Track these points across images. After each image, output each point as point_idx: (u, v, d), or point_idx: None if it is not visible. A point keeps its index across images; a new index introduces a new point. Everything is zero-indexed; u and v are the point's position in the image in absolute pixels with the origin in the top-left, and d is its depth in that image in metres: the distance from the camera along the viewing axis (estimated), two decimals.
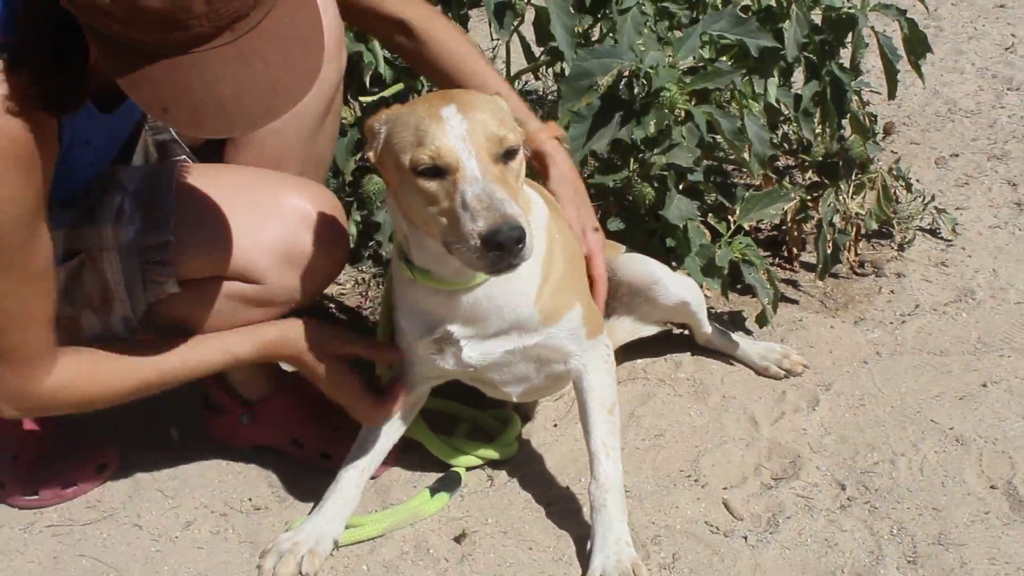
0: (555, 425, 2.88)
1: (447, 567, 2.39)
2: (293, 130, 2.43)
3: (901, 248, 3.59)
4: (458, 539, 2.45)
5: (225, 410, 2.66)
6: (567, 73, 2.86)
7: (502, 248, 1.85)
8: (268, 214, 2.32)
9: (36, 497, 2.55)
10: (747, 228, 3.10)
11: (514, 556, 2.40)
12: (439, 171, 1.96)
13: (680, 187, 2.93)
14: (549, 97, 4.23)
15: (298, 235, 2.34)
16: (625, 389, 2.97)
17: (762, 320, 3.02)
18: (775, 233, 3.65)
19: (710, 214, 3.08)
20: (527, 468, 2.69)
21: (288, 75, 1.82)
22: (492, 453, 2.69)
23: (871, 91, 3.79)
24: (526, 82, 4.16)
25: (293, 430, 2.63)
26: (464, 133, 1.94)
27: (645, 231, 3.00)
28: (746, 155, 3.03)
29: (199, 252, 2.28)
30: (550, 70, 3.61)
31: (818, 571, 2.31)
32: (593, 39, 3.31)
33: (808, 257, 3.52)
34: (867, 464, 2.64)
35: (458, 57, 2.55)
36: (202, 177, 2.31)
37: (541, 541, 2.45)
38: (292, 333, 2.33)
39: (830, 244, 3.19)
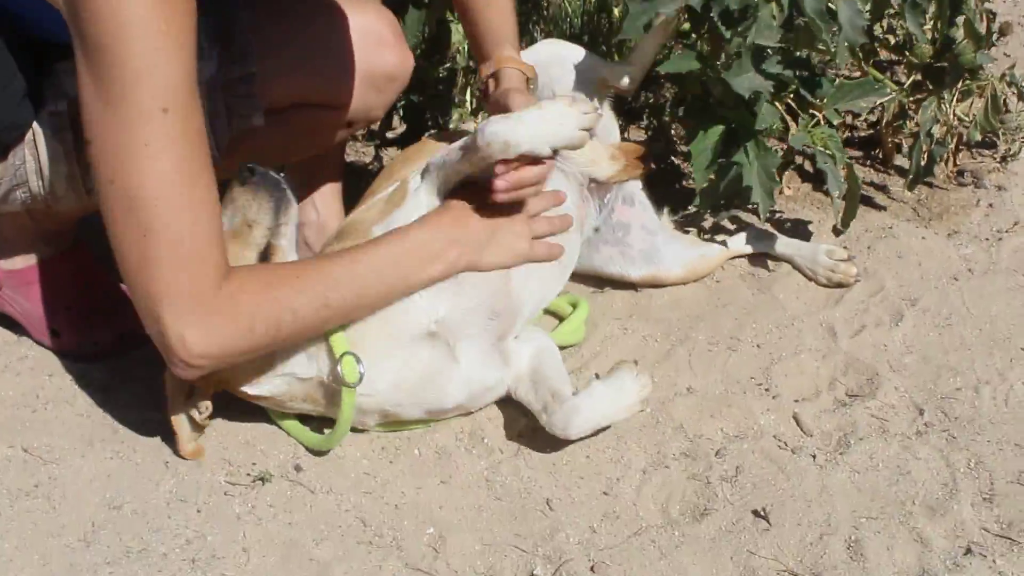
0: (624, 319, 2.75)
1: (501, 459, 2.30)
2: None
3: (1004, 160, 3.37)
4: (521, 434, 2.36)
5: None
6: None
7: None
8: (343, 36, 2.31)
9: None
10: (836, 125, 2.88)
11: (571, 455, 2.31)
12: None
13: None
14: None
15: (373, 55, 2.36)
16: (699, 289, 2.85)
17: (842, 223, 2.84)
18: (871, 131, 3.43)
19: (790, 99, 2.84)
20: (593, 366, 2.57)
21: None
22: (562, 337, 2.58)
23: None
24: None
25: (44, 309, 2.47)
26: None
27: (709, 115, 2.78)
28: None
29: (282, 81, 2.25)
30: None
31: (887, 499, 2.20)
32: None
33: (904, 162, 3.31)
34: (948, 389, 2.50)
35: None
36: (269, 4, 2.22)
37: (598, 442, 2.35)
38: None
39: (925, 155, 2.98)
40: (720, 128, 2.74)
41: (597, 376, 2.31)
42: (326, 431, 2.24)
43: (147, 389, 2.31)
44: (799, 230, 3.06)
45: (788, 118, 2.76)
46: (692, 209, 2.98)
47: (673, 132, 3.33)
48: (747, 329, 2.70)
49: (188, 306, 1.82)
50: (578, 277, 2.82)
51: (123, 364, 2.49)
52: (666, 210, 2.95)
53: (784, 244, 2.92)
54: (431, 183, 2.24)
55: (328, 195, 2.69)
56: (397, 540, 2.09)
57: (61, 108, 2.05)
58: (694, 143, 2.74)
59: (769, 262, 2.93)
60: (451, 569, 2.04)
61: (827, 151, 2.76)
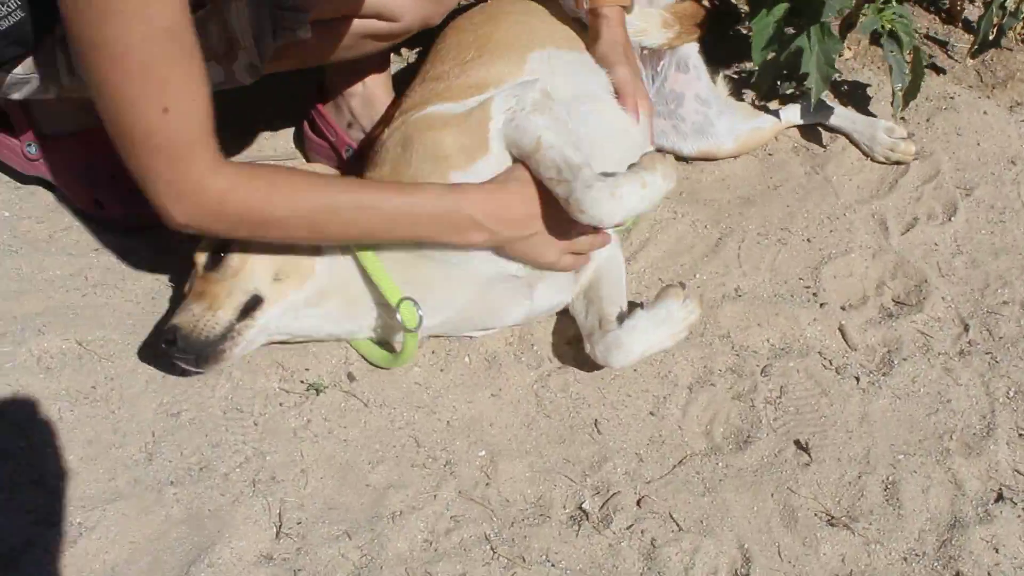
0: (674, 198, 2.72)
1: (550, 370, 2.33)
2: None
3: None
4: (569, 342, 2.37)
5: (16, 130, 2.45)
6: None
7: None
8: None
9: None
10: None
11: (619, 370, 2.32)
12: None
13: None
14: None
15: None
16: (750, 163, 2.79)
17: (900, 109, 2.74)
18: None
19: None
20: (642, 258, 2.58)
21: None
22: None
23: None
24: None
25: (89, 179, 2.44)
26: None
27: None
28: None
29: None
30: None
31: (925, 432, 2.26)
32: None
33: (974, 15, 3.14)
34: (995, 302, 2.52)
35: None
36: None
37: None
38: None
39: (995, 28, 2.82)
40: (784, 6, 2.58)
41: (642, 306, 2.27)
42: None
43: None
44: (857, 95, 2.96)
45: None
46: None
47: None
48: (798, 218, 2.66)
49: (168, 192, 1.82)
50: None
51: (166, 236, 2.42)
52: (721, 75, 2.82)
53: (841, 117, 2.84)
54: (512, 139, 2.13)
55: (375, 63, 2.55)
56: (450, 464, 2.14)
57: None
58: (756, 19, 2.61)
59: (824, 134, 2.84)
60: (502, 497, 2.11)
61: (896, 32, 2.61)
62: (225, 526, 1.99)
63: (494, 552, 2.01)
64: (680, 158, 2.76)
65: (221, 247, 2.07)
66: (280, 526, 2.01)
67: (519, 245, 2.11)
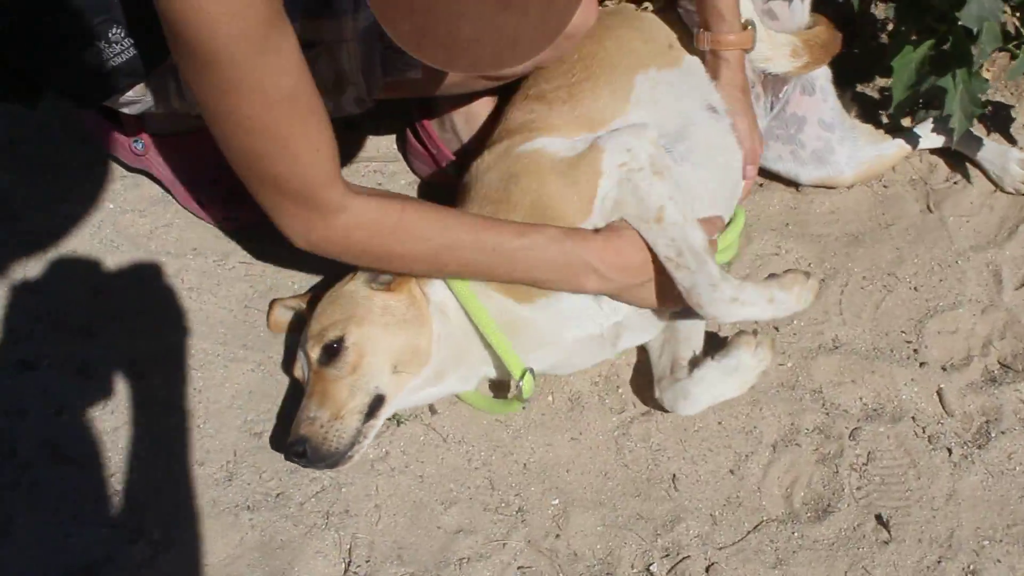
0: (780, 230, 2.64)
1: (632, 417, 2.33)
2: None
3: None
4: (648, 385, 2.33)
5: (126, 129, 2.50)
6: None
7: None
8: None
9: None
10: None
11: (703, 419, 2.33)
12: None
13: None
14: None
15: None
16: (863, 195, 2.69)
17: None
18: None
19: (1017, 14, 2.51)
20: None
21: (536, 31, 1.52)
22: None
23: None
24: None
25: (192, 179, 2.48)
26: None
27: (921, 26, 2.48)
28: None
29: None
30: None
31: (1016, 516, 2.19)
32: None
33: None
34: None
35: None
36: None
37: (732, 404, 2.34)
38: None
39: None
40: (930, 43, 2.45)
41: (712, 357, 2.21)
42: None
43: (287, 275, 2.35)
44: (998, 117, 2.80)
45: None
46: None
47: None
48: (907, 263, 2.56)
49: (293, 225, 1.87)
50: None
51: (267, 237, 2.43)
52: (849, 94, 2.70)
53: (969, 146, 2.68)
54: (625, 202, 2.08)
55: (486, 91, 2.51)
56: (523, 511, 2.15)
57: None
58: (898, 57, 2.47)
59: (945, 169, 2.71)
60: (571, 551, 2.11)
61: None
62: (296, 558, 2.04)
63: None
64: (794, 184, 2.64)
65: (334, 341, 2.03)
66: (349, 563, 2.04)
67: (630, 293, 2.09)
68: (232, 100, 1.66)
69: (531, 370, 2.11)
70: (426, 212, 1.95)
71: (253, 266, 2.44)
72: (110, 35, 1.88)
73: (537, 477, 2.19)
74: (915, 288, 2.52)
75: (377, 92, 2.08)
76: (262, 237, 2.36)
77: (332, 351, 2.02)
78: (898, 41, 2.47)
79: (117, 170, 2.57)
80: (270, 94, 1.68)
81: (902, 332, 2.45)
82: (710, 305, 2.03)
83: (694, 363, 2.21)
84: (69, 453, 2.17)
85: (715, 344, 2.26)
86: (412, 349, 2.06)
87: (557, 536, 2.12)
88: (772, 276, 2.15)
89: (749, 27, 2.32)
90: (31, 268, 2.41)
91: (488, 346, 2.11)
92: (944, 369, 2.39)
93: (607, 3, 2.61)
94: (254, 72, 1.64)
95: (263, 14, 1.60)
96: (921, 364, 2.39)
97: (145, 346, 2.29)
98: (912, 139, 2.70)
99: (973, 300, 2.50)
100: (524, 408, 2.26)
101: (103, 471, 2.13)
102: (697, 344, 2.26)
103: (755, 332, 2.24)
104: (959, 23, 2.29)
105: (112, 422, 2.21)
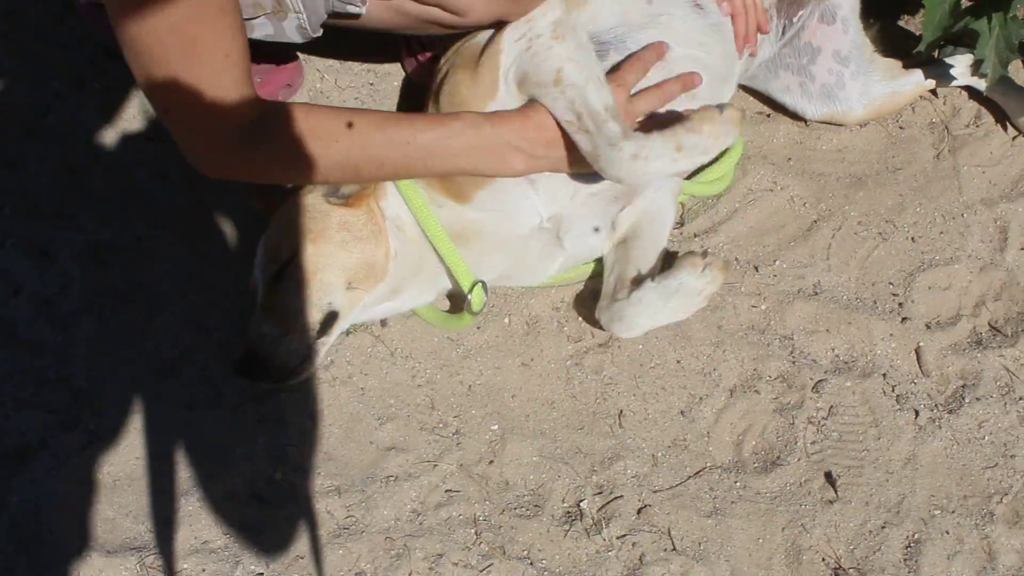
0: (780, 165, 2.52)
1: (589, 347, 2.26)
2: None
3: None
4: None
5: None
6: None
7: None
8: None
9: None
10: None
11: (662, 355, 2.28)
12: None
13: None
14: None
15: None
16: (877, 133, 2.55)
17: None
18: None
19: None
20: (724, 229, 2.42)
21: None
22: (701, 188, 2.41)
23: None
24: None
25: None
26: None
27: None
28: None
29: None
30: None
31: (975, 487, 2.10)
32: None
33: None
34: None
35: None
36: None
37: (697, 342, 2.29)
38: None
39: None
40: None
41: (652, 279, 2.12)
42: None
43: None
44: None
45: None
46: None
47: None
48: (908, 212, 2.42)
49: (202, 149, 1.77)
50: (750, 91, 2.55)
51: None
52: (876, 27, 2.53)
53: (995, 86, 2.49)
54: (525, 72, 1.96)
55: None
56: (459, 433, 2.12)
57: None
58: None
59: (969, 114, 2.55)
60: (503, 479, 2.09)
61: None
62: (225, 460, 2.04)
63: (477, 537, 2.00)
64: (800, 118, 2.51)
65: (288, 257, 1.96)
66: (275, 470, 2.04)
67: (560, 165, 1.98)
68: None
69: (482, 283, 2.04)
70: (331, 113, 1.85)
71: None
72: None
73: (480, 400, 2.15)
74: (912, 239, 2.39)
75: (318, 21, 1.99)
76: None
77: (285, 267, 1.96)
78: None
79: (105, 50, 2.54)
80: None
81: (889, 284, 2.34)
82: (610, 167, 1.89)
83: (637, 283, 2.11)
84: (20, 335, 2.19)
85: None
86: (368, 265, 2.01)
87: (491, 462, 2.09)
88: (681, 121, 1.97)
89: None
90: (8, 143, 2.41)
91: (442, 259, 2.05)
92: (928, 327, 2.28)
93: None
94: None
95: None
96: (904, 319, 2.28)
97: (111, 235, 2.28)
98: (935, 74, 2.52)
99: (973, 256, 2.37)
100: (478, 327, 2.21)
101: (50, 356, 2.14)
102: (646, 265, 2.15)
103: (705, 253, 2.13)
104: None
105: (67, 307, 2.22)
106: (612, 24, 2.07)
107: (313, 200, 2.02)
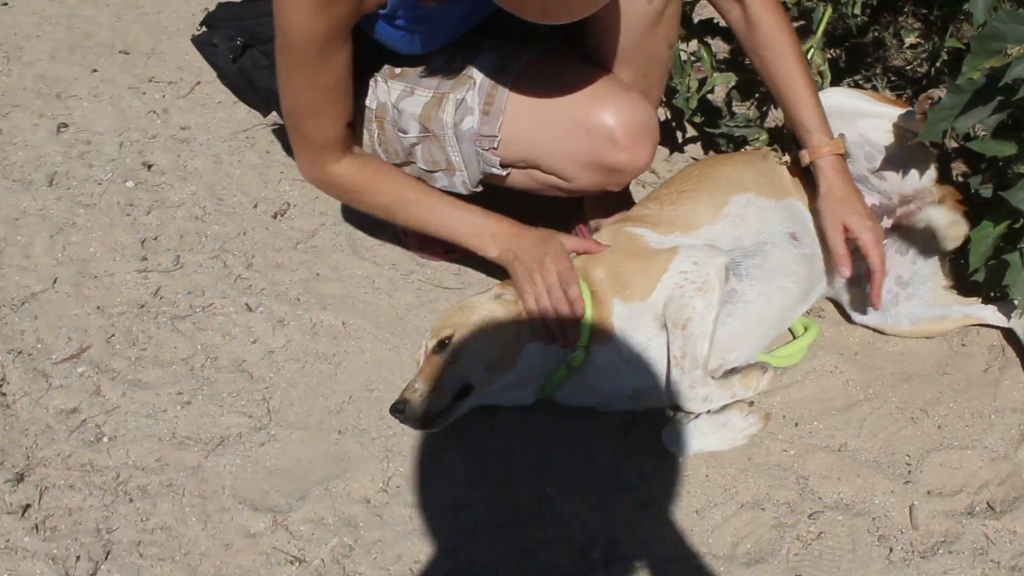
0: (847, 356, 3.07)
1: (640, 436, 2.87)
2: (624, 30, 2.77)
3: None
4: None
5: None
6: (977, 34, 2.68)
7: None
8: (579, 129, 2.75)
9: (425, 251, 3.40)
10: None
11: (695, 468, 2.80)
12: None
13: None
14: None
15: (601, 151, 2.76)
16: (939, 347, 3.02)
17: None
18: None
19: None
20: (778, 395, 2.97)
21: None
22: (777, 360, 2.98)
23: None
24: None
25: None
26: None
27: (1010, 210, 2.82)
28: None
29: (518, 149, 2.80)
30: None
31: None
32: None
33: None
34: None
35: (777, 53, 2.75)
36: (537, 80, 2.77)
37: (726, 464, 2.80)
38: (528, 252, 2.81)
39: None
40: (1007, 224, 2.78)
41: (709, 412, 2.72)
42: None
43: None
44: None
45: None
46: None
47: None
48: (943, 405, 2.88)
49: (303, 162, 2.77)
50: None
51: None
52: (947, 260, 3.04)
53: None
54: (667, 302, 2.75)
55: (618, 201, 3.22)
56: (506, 484, 2.80)
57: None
58: (976, 229, 2.82)
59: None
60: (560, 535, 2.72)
61: None
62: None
63: None
64: (848, 319, 3.10)
65: (445, 337, 2.65)
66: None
67: (519, 264, 2.73)
68: (295, 75, 2.56)
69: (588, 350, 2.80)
70: (390, 175, 2.82)
71: (425, 285, 3.34)
72: None
73: (531, 465, 2.83)
74: (939, 427, 2.85)
75: (475, 181, 2.87)
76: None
77: (442, 344, 2.76)
78: (979, 215, 2.84)
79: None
80: (317, 80, 2.53)
81: (907, 455, 2.79)
82: (685, 401, 2.68)
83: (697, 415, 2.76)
84: (247, 368, 3.16)
85: None
86: (502, 355, 2.77)
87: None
88: (733, 371, 2.71)
89: (839, 136, 2.82)
90: None
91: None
92: (929, 493, 2.69)
93: (747, 148, 3.26)
94: (311, 64, 2.53)
95: (325, 33, 2.47)
96: (907, 482, 2.72)
97: (327, 317, 3.26)
98: (982, 312, 3.00)
99: (988, 448, 2.78)
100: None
101: (261, 384, 3.09)
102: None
103: (751, 403, 2.76)
104: None
105: (282, 357, 3.19)
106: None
107: (481, 300, 2.84)
